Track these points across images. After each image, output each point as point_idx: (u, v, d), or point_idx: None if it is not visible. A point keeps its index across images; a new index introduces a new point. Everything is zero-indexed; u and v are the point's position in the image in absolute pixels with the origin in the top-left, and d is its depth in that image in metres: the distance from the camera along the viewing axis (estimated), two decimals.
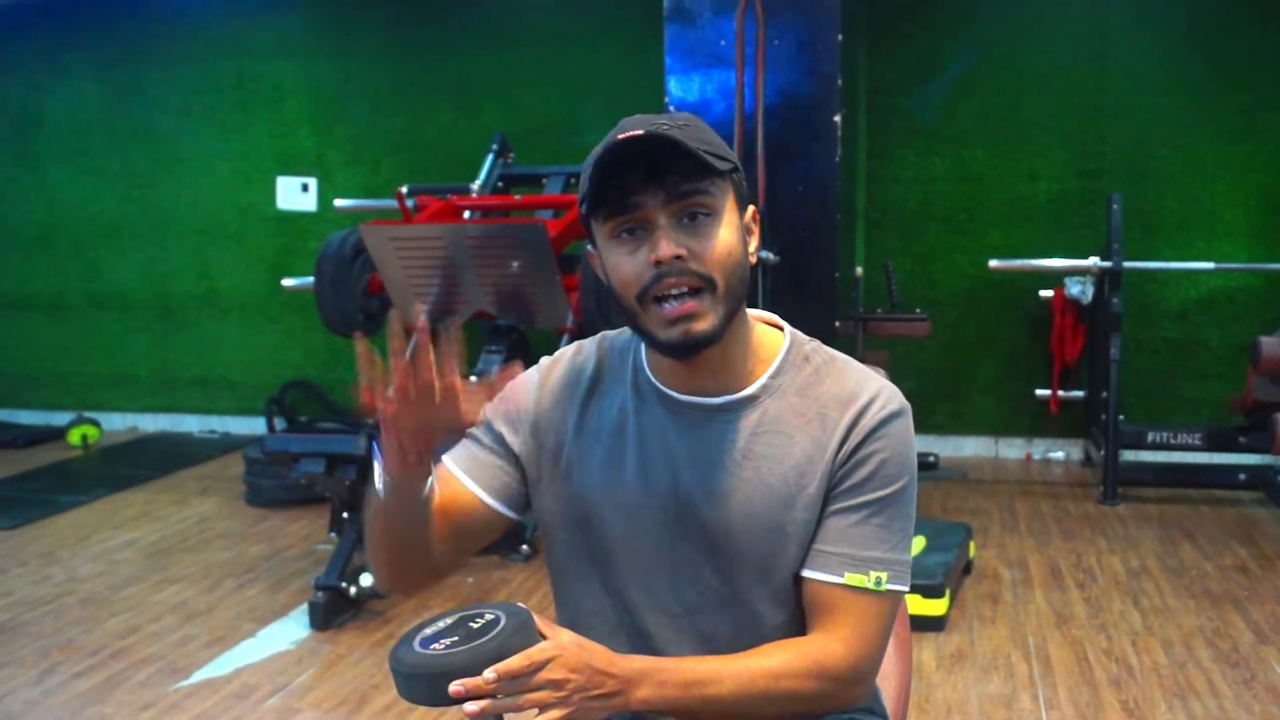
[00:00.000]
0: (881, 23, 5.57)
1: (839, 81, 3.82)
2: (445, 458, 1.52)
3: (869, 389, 1.41)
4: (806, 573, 1.39)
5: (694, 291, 1.31)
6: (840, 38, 3.81)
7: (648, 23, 4.36)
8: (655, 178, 1.30)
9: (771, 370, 1.43)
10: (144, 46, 6.55)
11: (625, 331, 1.52)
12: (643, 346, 1.47)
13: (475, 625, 1.26)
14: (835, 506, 1.39)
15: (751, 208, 1.41)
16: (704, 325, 1.32)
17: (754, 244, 1.41)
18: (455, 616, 1.30)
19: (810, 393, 1.42)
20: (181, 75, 6.53)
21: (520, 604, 1.32)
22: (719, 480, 1.40)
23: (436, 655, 1.22)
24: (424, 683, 1.22)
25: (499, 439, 1.50)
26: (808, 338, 1.49)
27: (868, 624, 1.38)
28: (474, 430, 1.51)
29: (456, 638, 1.25)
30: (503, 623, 1.26)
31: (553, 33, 6.04)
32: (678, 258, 1.30)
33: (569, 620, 1.53)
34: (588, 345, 1.55)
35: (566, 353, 1.55)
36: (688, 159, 1.29)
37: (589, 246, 1.43)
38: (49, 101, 6.75)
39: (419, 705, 1.25)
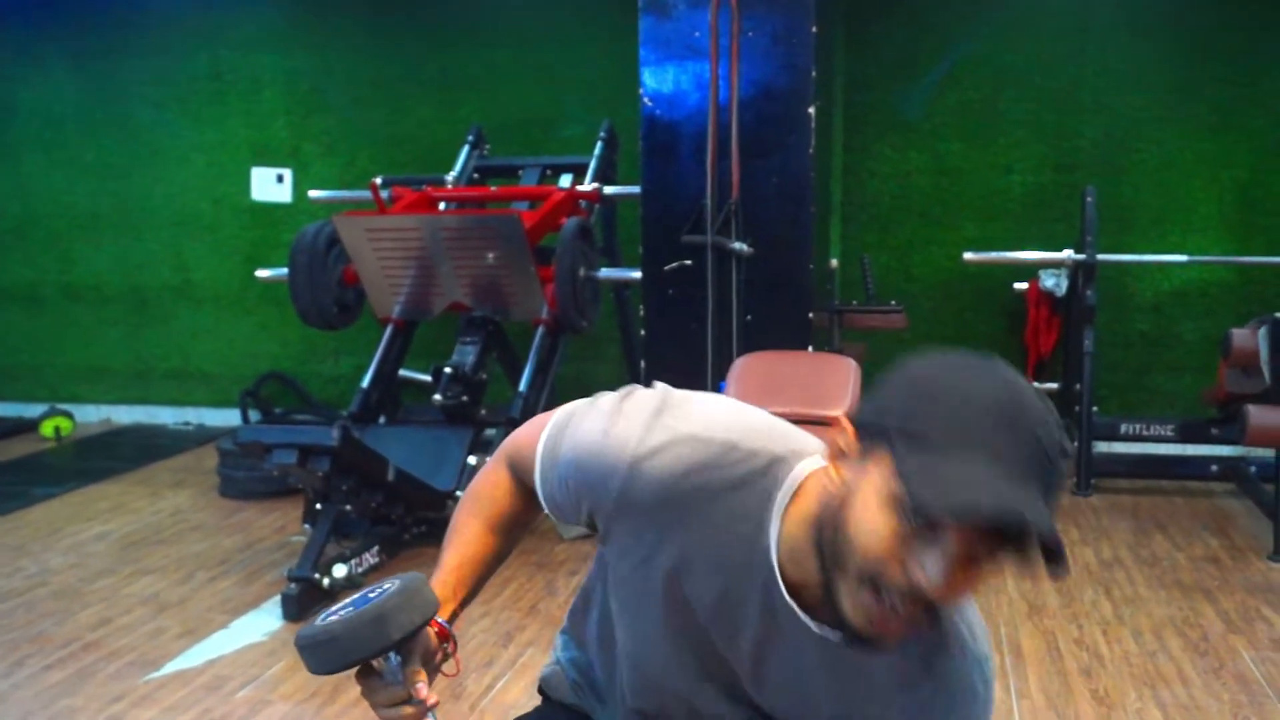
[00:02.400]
0: (859, 17, 5.58)
1: (814, 74, 3.82)
2: (538, 478, 1.41)
3: (965, 682, 1.29)
4: None
5: (915, 621, 1.13)
6: (815, 30, 3.80)
7: (624, 16, 4.34)
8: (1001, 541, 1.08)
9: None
10: (120, 37, 6.50)
11: (755, 458, 1.26)
12: (774, 521, 1.23)
13: (371, 595, 1.29)
14: None
15: None
16: (895, 642, 1.18)
17: None
18: (362, 591, 1.33)
19: (914, 650, 1.26)
20: (157, 66, 6.48)
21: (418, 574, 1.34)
22: (804, 675, 1.29)
23: (325, 625, 1.27)
24: (317, 652, 1.26)
25: (583, 499, 1.36)
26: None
27: None
28: (559, 471, 1.38)
29: (351, 609, 1.28)
30: (390, 589, 1.29)
31: (530, 26, 6.02)
32: (931, 603, 1.11)
33: (573, 670, 1.60)
34: (706, 455, 1.26)
35: (669, 456, 1.26)
36: (1049, 557, 1.07)
37: (853, 423, 1.18)
38: (23, 92, 6.69)
39: (320, 675, 1.28)
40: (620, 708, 1.48)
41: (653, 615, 1.32)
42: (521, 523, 1.50)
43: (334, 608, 1.30)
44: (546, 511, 1.43)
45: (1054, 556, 1.06)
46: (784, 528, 1.22)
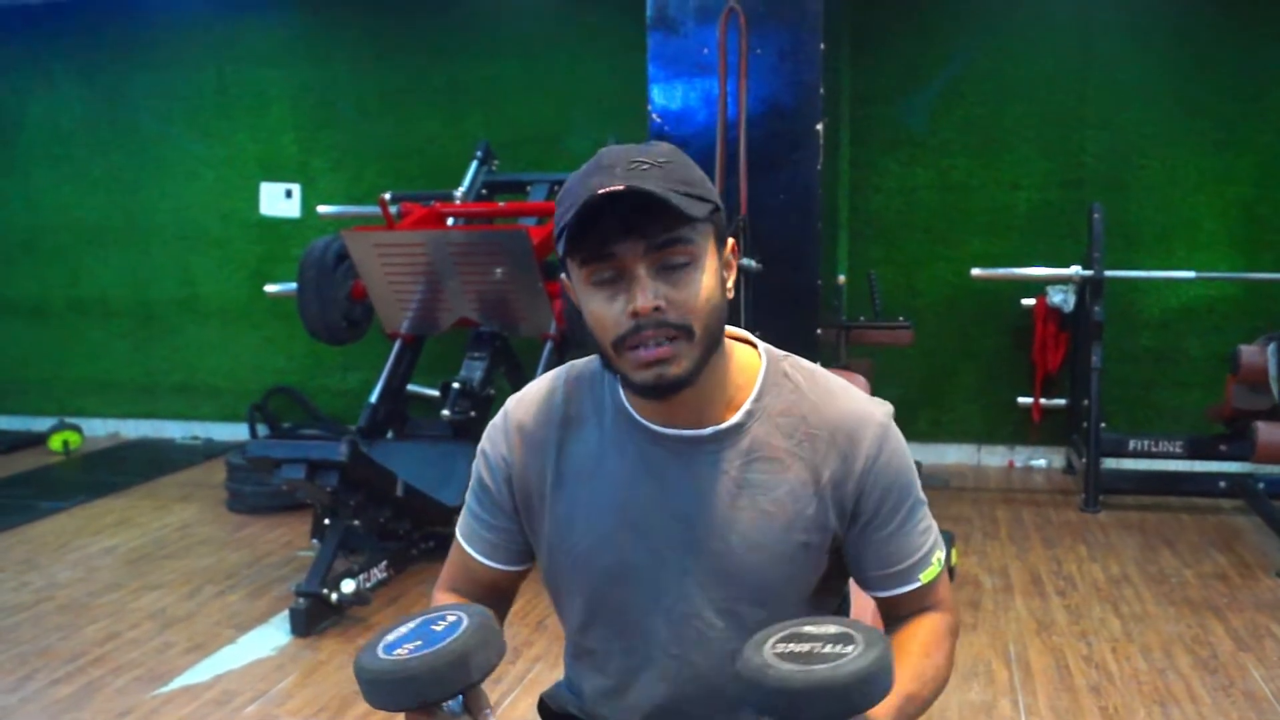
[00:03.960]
0: (865, 33, 5.60)
1: (821, 90, 3.82)
2: (457, 532, 1.56)
3: (855, 410, 1.42)
4: (884, 594, 1.46)
5: (670, 339, 1.30)
6: (823, 47, 3.81)
7: (632, 32, 4.36)
8: (633, 226, 1.27)
9: (754, 394, 1.42)
10: (128, 52, 6.53)
11: (593, 360, 1.49)
12: (620, 391, 1.44)
13: (437, 628, 1.27)
14: (880, 534, 1.42)
15: (731, 241, 1.39)
16: (678, 370, 1.30)
17: (731, 278, 1.39)
18: (418, 620, 1.30)
19: (795, 412, 1.42)
20: (165, 81, 6.51)
21: (481, 606, 1.32)
22: (715, 513, 1.40)
23: (400, 660, 1.22)
24: (387, 689, 1.22)
25: (490, 499, 1.51)
26: (782, 353, 1.48)
27: (944, 593, 1.49)
28: (470, 493, 1.54)
29: (420, 641, 1.25)
30: (464, 624, 1.26)
31: (538, 42, 6.04)
32: (656, 309, 1.28)
33: (571, 654, 1.58)
34: (551, 380, 1.51)
35: (529, 391, 1.52)
36: (668, 208, 1.25)
37: (563, 275, 1.40)
38: (32, 106, 6.73)
39: (386, 711, 1.25)
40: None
41: (606, 509, 1.44)
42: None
43: (393, 636, 1.27)
44: (479, 557, 1.54)
45: (660, 206, 1.25)
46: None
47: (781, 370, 1.45)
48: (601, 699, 1.55)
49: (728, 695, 1.44)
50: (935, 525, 1.49)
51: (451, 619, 1.28)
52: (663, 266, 1.29)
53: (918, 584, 1.44)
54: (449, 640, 1.24)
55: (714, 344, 1.35)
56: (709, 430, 1.40)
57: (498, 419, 1.52)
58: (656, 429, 1.41)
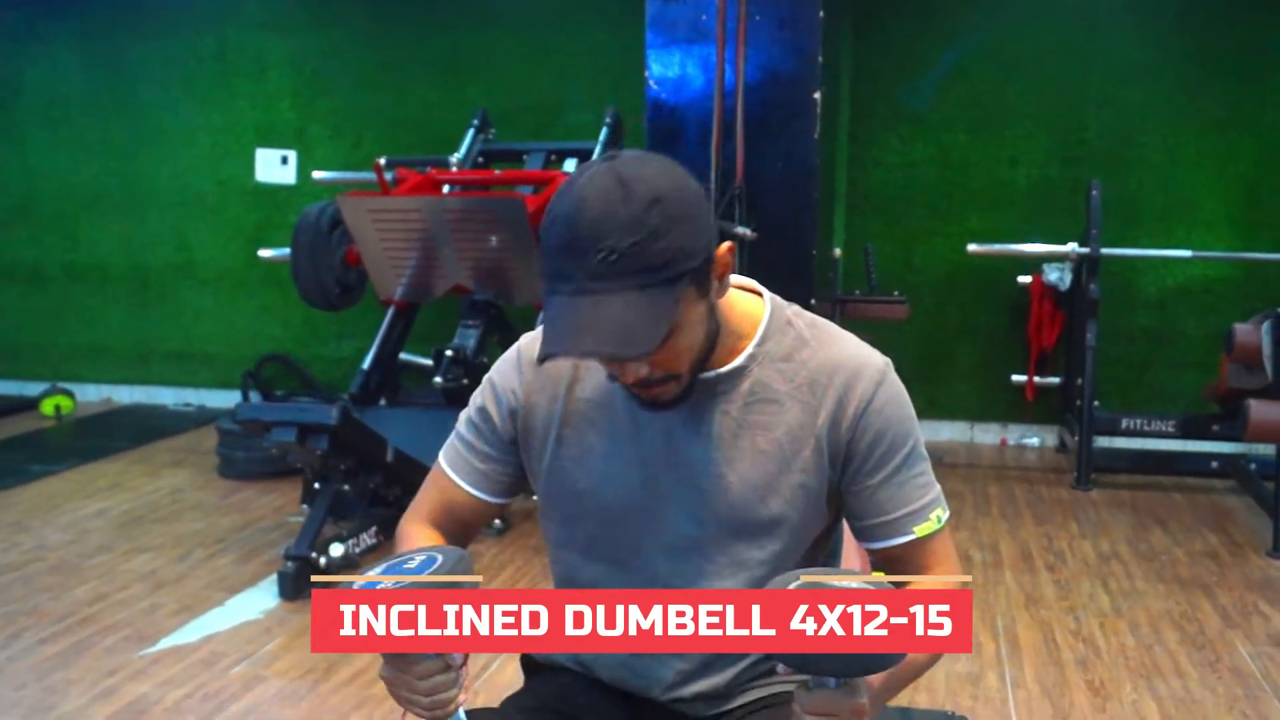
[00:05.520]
0: (867, 7, 5.56)
1: (820, 59, 3.81)
2: (441, 459, 1.58)
3: (853, 355, 1.45)
4: (879, 545, 1.46)
5: (660, 383, 1.36)
6: (822, 15, 3.80)
7: (632, 1, 4.34)
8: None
9: (757, 339, 1.44)
10: (126, 17, 6.49)
11: None
12: None
13: (410, 565, 1.26)
14: (873, 480, 1.43)
15: (723, 247, 1.33)
16: (668, 398, 1.38)
17: (720, 283, 1.36)
18: (388, 562, 1.29)
19: (796, 358, 1.44)
20: (163, 47, 6.47)
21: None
22: (717, 451, 1.44)
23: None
24: None
25: (490, 428, 1.53)
26: (787, 303, 1.51)
27: (946, 553, 1.48)
28: (465, 420, 1.56)
29: (390, 574, 1.24)
30: (439, 560, 1.26)
31: (537, 10, 6.00)
32: (643, 379, 1.34)
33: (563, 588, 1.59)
34: None
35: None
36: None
37: None
38: (29, 71, 6.68)
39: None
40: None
41: (607, 435, 1.48)
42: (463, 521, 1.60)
43: (369, 574, 1.26)
44: (466, 485, 1.55)
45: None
46: None
47: (785, 318, 1.48)
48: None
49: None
50: (938, 487, 1.48)
51: (424, 557, 1.27)
52: None
53: (911, 536, 1.44)
54: (423, 575, 1.23)
55: (703, 363, 1.40)
56: (712, 373, 1.42)
57: (510, 353, 1.55)
58: None
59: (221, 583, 3.87)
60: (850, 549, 1.62)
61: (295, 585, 3.70)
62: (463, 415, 1.57)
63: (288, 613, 3.61)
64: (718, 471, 1.43)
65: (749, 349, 1.44)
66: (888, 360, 1.46)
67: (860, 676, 1.21)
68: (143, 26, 6.47)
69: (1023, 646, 3.36)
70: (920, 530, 1.44)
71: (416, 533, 1.55)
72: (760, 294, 1.50)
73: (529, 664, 1.70)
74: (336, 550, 3.79)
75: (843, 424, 1.42)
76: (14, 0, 6.60)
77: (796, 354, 1.45)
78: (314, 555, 3.73)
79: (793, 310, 1.50)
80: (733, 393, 1.43)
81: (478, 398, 1.55)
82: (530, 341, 1.53)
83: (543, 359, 1.29)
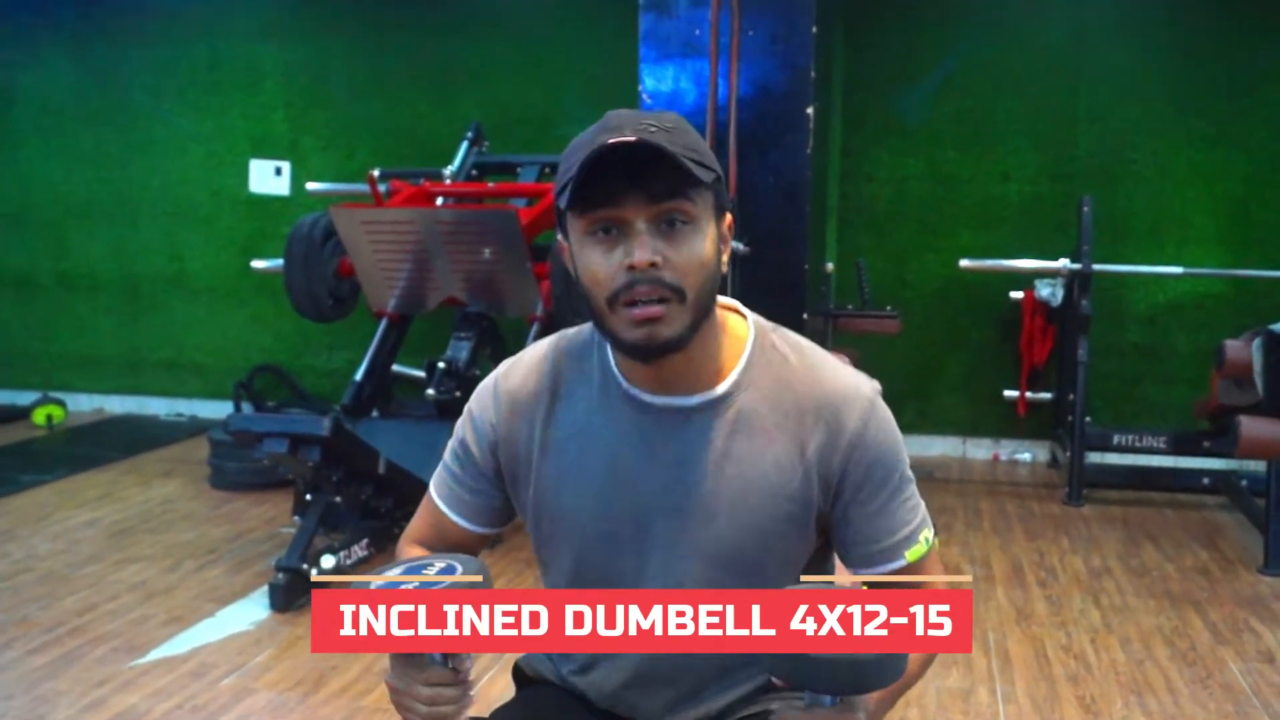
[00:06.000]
0: (859, 22, 5.59)
1: (812, 74, 3.82)
2: (431, 489, 1.57)
3: (842, 384, 1.42)
4: (870, 573, 1.44)
5: (662, 300, 1.30)
6: (815, 30, 3.81)
7: (624, 14, 4.35)
8: (639, 181, 1.28)
9: (741, 365, 1.42)
10: (119, 26, 6.49)
11: (584, 330, 1.50)
12: (608, 348, 1.44)
13: (429, 573, 1.26)
14: (865, 509, 1.42)
15: (728, 216, 1.38)
16: (669, 331, 1.30)
17: (726, 252, 1.39)
18: (405, 564, 1.29)
19: (782, 385, 1.42)
20: (156, 56, 6.47)
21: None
22: (701, 482, 1.41)
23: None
24: None
25: (473, 461, 1.52)
26: (771, 324, 1.49)
27: (937, 573, 1.49)
28: (450, 452, 1.55)
29: (417, 581, 1.24)
30: (458, 568, 1.27)
31: (531, 23, 6.02)
32: (652, 265, 1.28)
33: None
34: (543, 349, 1.52)
35: (521, 359, 1.52)
36: (674, 167, 1.27)
37: (559, 237, 1.40)
38: (22, 80, 6.68)
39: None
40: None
41: (588, 477, 1.45)
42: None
43: (386, 577, 1.26)
44: (455, 517, 1.54)
45: (668, 164, 1.26)
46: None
47: (770, 341, 1.45)
48: (589, 663, 1.56)
49: (712, 660, 1.46)
50: (924, 506, 1.48)
51: (441, 564, 1.27)
52: (663, 224, 1.29)
53: (902, 562, 1.43)
54: (444, 578, 1.23)
55: (705, 311, 1.34)
56: (695, 400, 1.40)
57: (487, 383, 1.52)
58: (644, 398, 1.42)
59: (212, 594, 3.86)
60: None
61: (286, 597, 3.69)
62: (449, 444, 1.55)
63: (278, 624, 3.60)
64: (704, 503, 1.41)
65: (733, 375, 1.41)
66: (875, 386, 1.45)
67: (857, 694, 1.21)
68: (136, 36, 6.48)
69: (1014, 662, 3.36)
70: (911, 554, 1.44)
71: (416, 555, 1.53)
72: (743, 315, 1.48)
73: (520, 677, 1.70)
74: (328, 562, 3.78)
75: (834, 457, 1.40)
76: (7, 9, 6.60)
77: (782, 381, 1.42)
78: (305, 567, 3.72)
79: (777, 334, 1.47)
80: (717, 420, 1.41)
81: (460, 429, 1.54)
82: (507, 371, 1.51)
83: (597, 155, 1.25)
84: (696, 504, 1.41)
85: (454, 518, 1.54)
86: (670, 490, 1.41)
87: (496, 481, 1.52)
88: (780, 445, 1.40)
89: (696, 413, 1.41)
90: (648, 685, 1.50)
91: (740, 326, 1.45)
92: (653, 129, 1.27)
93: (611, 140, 1.25)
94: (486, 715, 1.60)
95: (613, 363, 1.44)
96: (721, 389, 1.41)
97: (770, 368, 1.43)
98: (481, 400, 1.51)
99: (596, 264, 1.31)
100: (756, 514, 1.40)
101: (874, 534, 1.43)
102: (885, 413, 1.44)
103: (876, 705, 1.35)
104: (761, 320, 1.48)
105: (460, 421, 1.53)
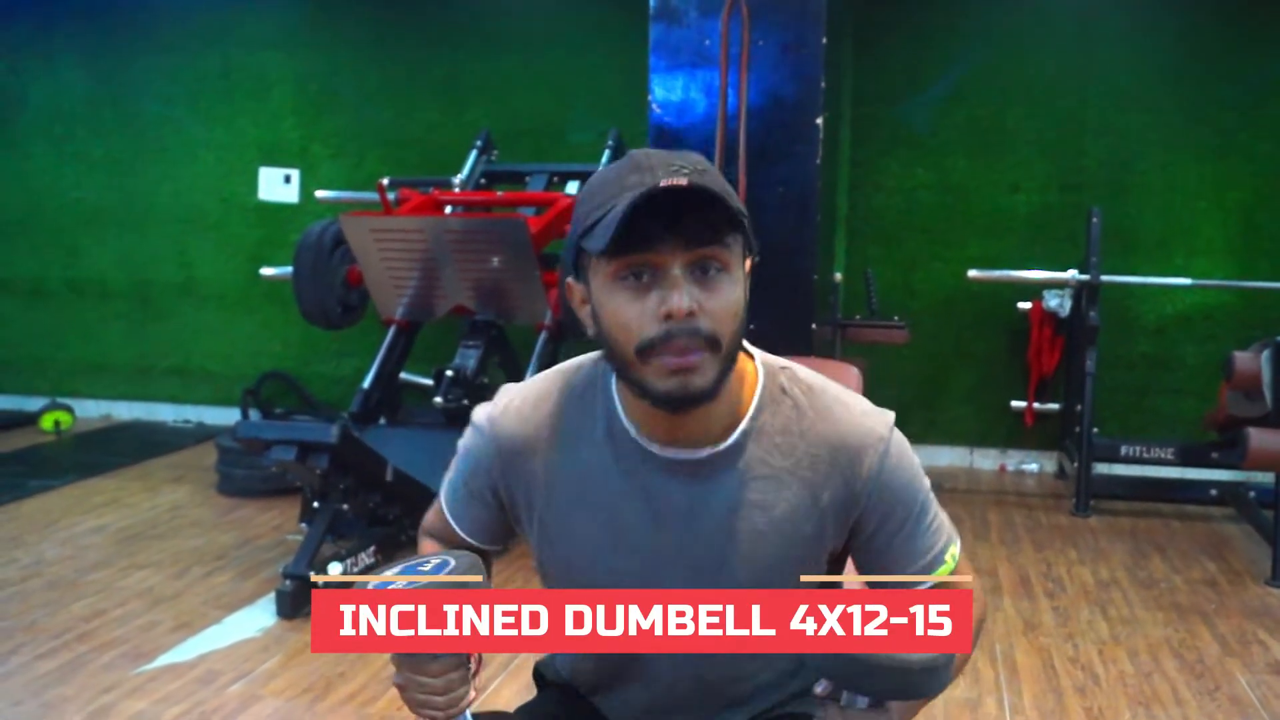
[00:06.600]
0: (868, 33, 5.59)
1: (822, 84, 3.82)
2: (441, 498, 1.54)
3: (855, 427, 1.39)
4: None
5: (698, 350, 1.24)
6: (825, 41, 3.81)
7: (634, 24, 4.36)
8: (677, 222, 1.21)
9: (751, 413, 1.37)
10: (131, 33, 6.52)
11: (584, 365, 1.45)
12: (614, 392, 1.39)
13: (424, 568, 1.27)
14: (885, 544, 1.40)
15: (749, 260, 1.32)
16: (702, 381, 1.25)
17: (746, 304, 1.33)
18: (401, 564, 1.30)
19: (794, 430, 1.38)
20: (168, 63, 6.50)
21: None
22: (711, 533, 1.37)
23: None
24: None
25: (471, 489, 1.49)
26: (780, 362, 1.44)
27: (966, 579, 1.44)
28: (455, 468, 1.51)
29: (409, 578, 1.25)
30: (453, 563, 1.28)
31: (540, 32, 6.04)
32: (690, 314, 1.22)
33: (569, 661, 1.61)
34: (543, 387, 1.46)
35: (521, 398, 1.45)
36: (714, 210, 1.21)
37: (569, 279, 1.34)
38: (33, 86, 6.71)
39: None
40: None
41: (590, 524, 1.41)
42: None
43: (383, 575, 1.26)
44: (461, 533, 1.52)
45: (710, 205, 1.20)
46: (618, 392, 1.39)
47: (779, 385, 1.40)
48: (593, 692, 1.57)
49: (723, 695, 1.47)
50: (947, 521, 1.45)
51: (437, 561, 1.28)
52: (697, 270, 1.24)
53: (929, 585, 1.41)
54: (436, 577, 1.24)
55: (733, 361, 1.30)
56: (705, 453, 1.36)
57: (484, 422, 1.45)
58: (652, 449, 1.37)
59: (219, 600, 3.86)
60: None
61: (293, 604, 3.69)
62: (457, 453, 1.51)
63: (285, 631, 3.61)
64: (716, 555, 1.37)
65: (743, 424, 1.37)
66: (888, 422, 1.41)
67: (904, 699, 1.21)
68: (147, 43, 6.51)
69: (1021, 673, 3.35)
70: (939, 573, 1.41)
71: (434, 549, 1.53)
72: (751, 355, 1.42)
73: (541, 680, 1.70)
74: (335, 569, 3.78)
75: (850, 501, 1.38)
76: (19, 15, 6.63)
77: (794, 426, 1.38)
78: (312, 574, 3.72)
79: (786, 374, 1.42)
80: (727, 472, 1.36)
81: (462, 456, 1.49)
82: (503, 414, 1.44)
83: (637, 203, 1.18)
84: (707, 554, 1.37)
85: (462, 534, 1.52)
86: (679, 542, 1.38)
87: (499, 514, 1.49)
88: (793, 493, 1.37)
89: (706, 465, 1.36)
90: (661, 714, 1.50)
91: (749, 369, 1.40)
92: (686, 170, 1.22)
93: (664, 183, 1.19)
94: (511, 711, 1.60)
95: (619, 409, 1.39)
96: (731, 440, 1.36)
97: (780, 414, 1.38)
98: (480, 439, 1.45)
99: (625, 310, 1.25)
100: (774, 563, 1.37)
101: (898, 561, 1.40)
102: (901, 447, 1.40)
103: (904, 711, 1.36)
104: (770, 360, 1.43)
105: (462, 444, 1.49)
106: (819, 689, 1.36)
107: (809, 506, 1.37)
